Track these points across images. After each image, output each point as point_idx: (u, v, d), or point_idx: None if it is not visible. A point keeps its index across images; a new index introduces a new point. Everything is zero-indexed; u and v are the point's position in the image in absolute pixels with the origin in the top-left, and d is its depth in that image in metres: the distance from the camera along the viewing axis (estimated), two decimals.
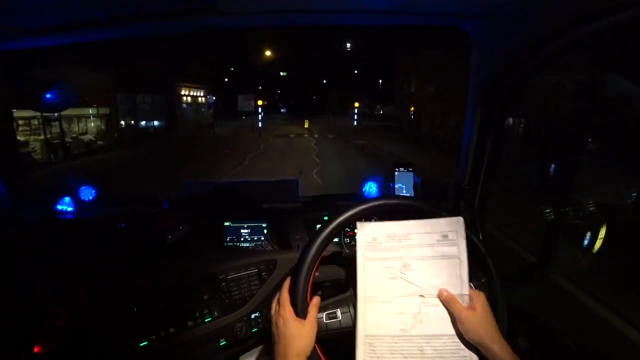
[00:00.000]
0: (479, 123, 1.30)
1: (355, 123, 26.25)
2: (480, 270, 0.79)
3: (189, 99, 26.17)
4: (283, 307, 0.71)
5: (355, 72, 41.94)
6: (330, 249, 1.33)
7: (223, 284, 1.17)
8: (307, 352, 0.69)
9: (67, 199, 1.61)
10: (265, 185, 1.72)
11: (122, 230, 1.21)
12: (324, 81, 52.16)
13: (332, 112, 40.20)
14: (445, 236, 0.70)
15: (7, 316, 1.03)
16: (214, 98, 31.64)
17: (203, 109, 29.76)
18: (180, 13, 1.20)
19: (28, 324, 1.01)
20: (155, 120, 21.34)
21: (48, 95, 1.54)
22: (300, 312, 0.71)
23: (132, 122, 19.18)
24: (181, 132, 22.03)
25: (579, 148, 1.31)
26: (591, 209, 1.33)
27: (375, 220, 0.75)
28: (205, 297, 1.14)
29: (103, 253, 1.15)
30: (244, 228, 1.40)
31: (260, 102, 22.74)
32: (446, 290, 0.68)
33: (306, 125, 25.50)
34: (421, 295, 0.69)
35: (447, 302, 0.67)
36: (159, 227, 1.29)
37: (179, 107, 23.95)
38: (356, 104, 28.72)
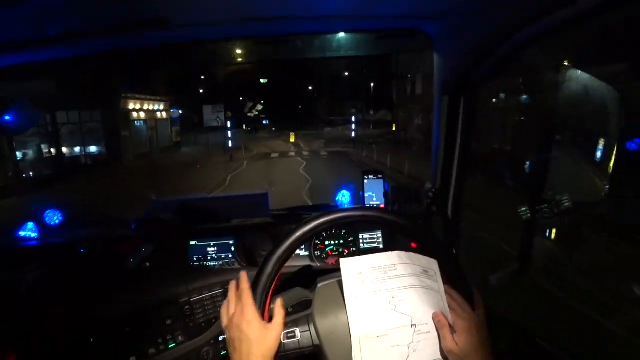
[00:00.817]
0: (447, 124, 1.27)
1: (353, 134, 21.35)
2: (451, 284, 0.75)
3: (144, 114, 19.29)
4: (246, 307, 0.66)
5: (345, 74, 37.30)
6: (297, 264, 1.29)
7: (186, 307, 1.11)
8: (271, 356, 0.65)
9: (30, 224, 1.55)
10: (234, 200, 1.65)
11: (81, 256, 1.15)
12: (310, 88, 46.68)
13: (321, 122, 37.00)
14: (425, 271, 0.73)
15: None
16: (180, 112, 25.19)
17: (165, 126, 22.73)
18: (131, 27, 1.16)
19: None
20: (92, 145, 16.04)
21: (7, 117, 1.48)
22: (260, 303, 0.67)
23: (52, 149, 14.27)
24: (128, 159, 16.45)
25: (549, 144, 1.29)
26: (566, 204, 1.30)
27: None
28: (168, 322, 1.09)
29: (60, 280, 1.09)
30: (210, 246, 1.35)
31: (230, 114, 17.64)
32: (441, 314, 0.69)
33: (292, 140, 22.26)
34: (413, 325, 0.69)
35: (440, 327, 0.68)
36: (121, 250, 1.23)
37: (128, 125, 17.20)
38: (353, 110, 25.71)
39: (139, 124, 19.09)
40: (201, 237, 1.34)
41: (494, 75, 1.21)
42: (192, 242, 1.33)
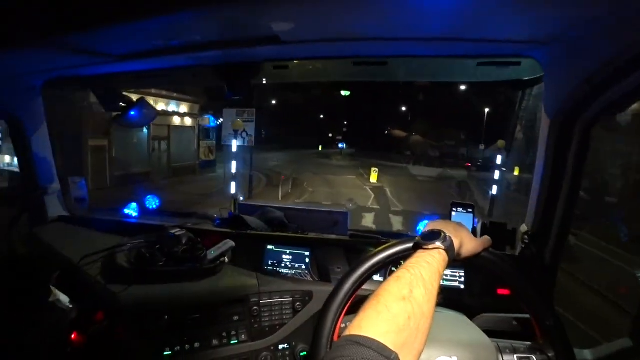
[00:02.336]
0: (553, 161, 1.13)
1: (495, 190, 6.66)
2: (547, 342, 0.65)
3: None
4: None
5: (445, 99, 28.59)
6: (372, 288, 1.24)
7: (254, 307, 1.14)
8: (463, 252, 0.73)
9: (133, 204, 1.78)
10: (315, 214, 1.68)
11: (170, 239, 1.27)
12: (402, 109, 36.00)
13: (413, 155, 26.12)
14: None
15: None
16: (214, 120, 16.81)
17: (188, 138, 16.07)
18: (245, 43, 1.29)
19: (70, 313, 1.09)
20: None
21: (132, 113, 1.75)
22: (335, 331, 0.67)
23: None
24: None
25: None
26: None
27: None
28: (235, 318, 1.13)
29: (150, 258, 1.21)
30: (285, 254, 1.38)
31: (241, 125, 7.51)
32: None
33: (374, 179, 14.00)
34: None
35: None
36: (204, 242, 1.33)
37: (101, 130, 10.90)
38: (500, 144, 7.40)
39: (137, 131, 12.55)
40: (278, 244, 1.38)
41: (613, 111, 1.05)
42: (270, 247, 1.38)
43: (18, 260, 1.61)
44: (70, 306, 1.29)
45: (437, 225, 0.75)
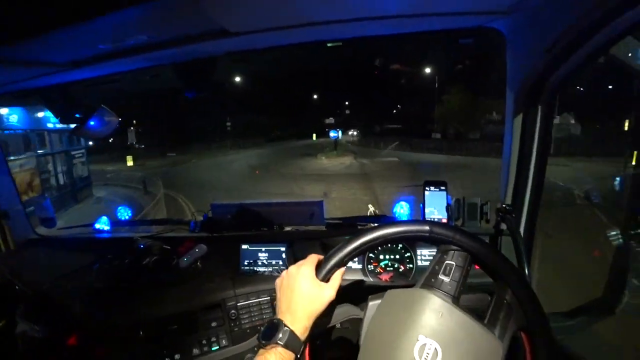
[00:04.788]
0: (521, 133, 1.13)
1: None
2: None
3: None
4: (306, 264, 0.68)
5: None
6: (350, 277, 1.23)
7: (232, 311, 1.12)
8: (316, 315, 0.64)
9: (104, 218, 1.71)
10: (291, 207, 1.64)
11: (140, 251, 1.23)
12: (427, 70, 22.73)
13: (445, 138, 18.91)
14: None
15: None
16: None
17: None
18: (197, 39, 1.23)
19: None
20: None
21: (92, 123, 1.67)
22: (324, 276, 0.66)
23: None
24: None
25: None
26: None
27: None
28: (213, 324, 1.10)
29: (118, 273, 1.17)
30: (261, 252, 1.34)
31: None
32: None
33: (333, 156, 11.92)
34: None
35: None
36: (177, 249, 1.29)
37: None
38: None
39: None
40: (254, 242, 1.35)
41: (574, 78, 1.04)
42: (244, 246, 1.34)
43: None
44: (38, 335, 1.23)
45: (278, 305, 0.66)
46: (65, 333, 1.16)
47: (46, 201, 1.77)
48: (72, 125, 1.66)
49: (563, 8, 0.83)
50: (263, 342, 0.61)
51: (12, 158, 8.56)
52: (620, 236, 1.16)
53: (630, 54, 1.04)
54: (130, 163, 14.39)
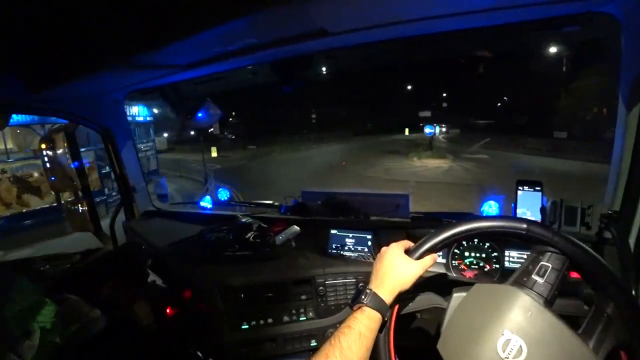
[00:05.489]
0: (637, 128, 1.01)
1: None
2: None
3: None
4: (399, 245, 0.76)
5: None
6: (434, 270, 1.26)
7: (320, 287, 1.23)
8: (402, 287, 0.70)
9: (207, 197, 2.00)
10: (377, 198, 1.70)
11: (242, 227, 1.42)
12: (552, 50, 6.32)
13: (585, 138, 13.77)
14: None
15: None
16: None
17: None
18: (293, 39, 1.34)
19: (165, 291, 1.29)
20: None
21: (200, 114, 1.93)
22: (418, 256, 0.72)
23: None
24: None
25: None
26: None
27: None
28: (303, 297, 1.23)
29: (223, 243, 1.37)
30: (348, 237, 1.44)
31: None
32: None
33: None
34: None
35: None
36: (272, 228, 1.45)
37: None
38: None
39: None
40: (342, 228, 1.45)
41: None
42: (333, 231, 1.46)
43: (119, 248, 1.91)
44: (164, 285, 1.52)
45: (371, 279, 0.73)
46: (182, 287, 1.40)
47: (162, 179, 2.12)
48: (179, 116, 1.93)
49: None
50: (351, 305, 0.70)
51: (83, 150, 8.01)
52: None
53: None
54: (214, 154, 15.35)
